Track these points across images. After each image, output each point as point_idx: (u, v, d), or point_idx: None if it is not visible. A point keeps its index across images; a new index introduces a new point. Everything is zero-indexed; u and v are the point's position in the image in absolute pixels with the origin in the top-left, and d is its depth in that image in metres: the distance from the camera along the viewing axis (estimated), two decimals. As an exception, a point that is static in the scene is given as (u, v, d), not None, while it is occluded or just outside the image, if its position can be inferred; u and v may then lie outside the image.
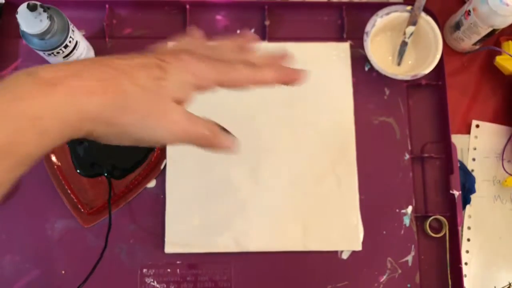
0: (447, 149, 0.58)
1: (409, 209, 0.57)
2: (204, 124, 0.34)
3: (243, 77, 0.35)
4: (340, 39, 0.61)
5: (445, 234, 0.56)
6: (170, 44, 0.38)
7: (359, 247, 0.55)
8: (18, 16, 0.46)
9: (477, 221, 0.59)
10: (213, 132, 0.35)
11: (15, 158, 0.27)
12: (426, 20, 0.58)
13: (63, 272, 0.54)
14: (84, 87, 0.28)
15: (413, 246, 0.56)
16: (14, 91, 0.27)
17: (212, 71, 0.33)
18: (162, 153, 0.57)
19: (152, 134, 0.32)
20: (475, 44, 0.59)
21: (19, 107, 0.26)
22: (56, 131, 0.28)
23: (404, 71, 0.59)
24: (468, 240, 0.58)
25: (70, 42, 0.50)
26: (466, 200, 0.58)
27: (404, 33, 0.59)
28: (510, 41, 0.60)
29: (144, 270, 0.54)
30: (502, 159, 0.59)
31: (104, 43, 0.59)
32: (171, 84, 0.31)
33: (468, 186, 0.58)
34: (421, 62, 0.59)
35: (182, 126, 0.32)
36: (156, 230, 0.55)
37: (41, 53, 0.51)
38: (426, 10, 0.58)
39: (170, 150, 0.56)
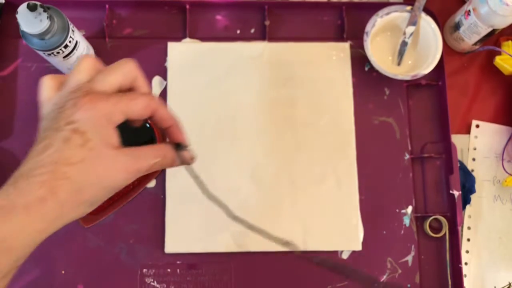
0: (447, 149, 0.58)
1: (409, 209, 0.57)
2: (150, 153, 0.35)
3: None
4: (340, 39, 0.61)
5: (445, 234, 0.56)
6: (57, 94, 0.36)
7: (359, 247, 0.55)
8: (18, 16, 0.46)
9: (477, 221, 0.59)
10: (163, 156, 0.36)
11: None
12: (426, 20, 0.58)
13: (63, 272, 0.54)
14: (34, 206, 0.30)
15: (413, 246, 0.56)
16: None
17: (119, 103, 0.33)
18: (162, 153, 0.56)
19: (112, 187, 0.34)
20: (475, 44, 0.59)
21: None
22: (20, 247, 0.31)
23: (404, 71, 0.59)
24: (468, 240, 0.58)
25: (70, 42, 0.50)
26: (466, 200, 0.58)
27: (404, 33, 0.59)
28: (510, 41, 0.60)
29: (144, 270, 0.54)
30: (502, 159, 0.59)
31: (104, 43, 0.59)
32: (97, 137, 0.32)
33: (468, 186, 0.58)
34: (421, 62, 0.59)
35: (130, 169, 0.34)
36: (156, 230, 0.55)
37: (41, 53, 0.51)
38: (426, 10, 0.58)
39: (170, 150, 0.56)
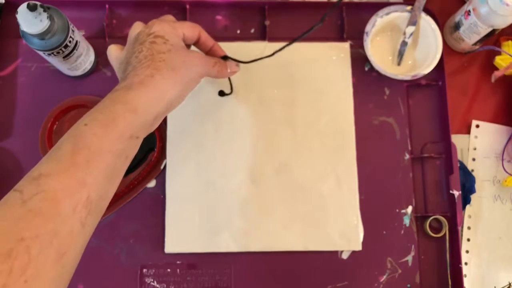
0: (447, 149, 0.58)
1: (409, 209, 0.57)
2: (210, 57, 0.49)
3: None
4: (340, 39, 0.61)
5: (445, 234, 0.56)
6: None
7: (359, 247, 0.55)
8: (18, 16, 0.46)
9: (477, 221, 0.59)
10: (218, 61, 0.49)
11: (118, 130, 0.38)
12: (426, 20, 0.58)
13: (63, 272, 0.54)
14: (147, 80, 0.41)
15: (413, 246, 0.56)
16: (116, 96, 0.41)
17: (176, 23, 0.47)
18: (162, 153, 0.57)
19: (195, 72, 0.45)
20: (475, 44, 0.59)
21: (119, 103, 0.40)
22: (142, 109, 0.40)
23: (404, 71, 0.59)
24: (468, 240, 0.58)
25: (70, 42, 0.50)
26: (466, 200, 0.58)
27: (404, 33, 0.59)
28: (510, 41, 0.60)
29: (144, 270, 0.54)
30: (502, 159, 0.59)
31: (104, 43, 0.59)
32: (173, 39, 0.45)
33: (468, 186, 0.58)
34: (421, 62, 0.59)
35: (203, 59, 0.46)
36: (156, 230, 0.55)
37: (41, 53, 0.51)
38: (426, 10, 0.58)
39: (170, 150, 0.56)
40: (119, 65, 0.46)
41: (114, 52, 0.47)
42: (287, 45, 0.51)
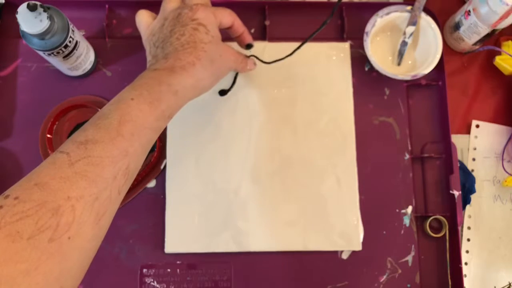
0: (447, 149, 0.58)
1: (409, 209, 0.57)
2: (239, 53, 0.52)
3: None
4: (340, 39, 0.61)
5: (445, 234, 0.56)
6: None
7: (359, 247, 0.55)
8: (18, 16, 0.46)
9: (477, 221, 0.59)
10: (245, 56, 0.53)
11: (160, 109, 0.41)
12: (426, 20, 0.58)
13: (63, 272, 0.54)
14: (188, 66, 0.44)
15: (413, 246, 0.56)
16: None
17: (217, 10, 0.48)
18: (162, 153, 0.57)
19: (228, 65, 0.49)
20: (475, 44, 0.59)
21: (164, 84, 0.42)
22: (181, 93, 0.43)
23: (404, 71, 0.59)
24: (468, 240, 0.58)
25: (70, 42, 0.50)
26: (466, 200, 0.58)
27: (404, 33, 0.59)
28: (510, 41, 0.60)
29: (144, 270, 0.54)
30: (502, 159, 0.59)
31: (104, 43, 0.59)
32: (213, 30, 0.46)
33: (468, 186, 0.58)
34: (421, 62, 0.59)
35: (236, 54, 0.50)
36: (156, 230, 0.55)
37: (41, 53, 0.51)
38: (426, 10, 0.58)
39: (170, 150, 0.56)
40: (150, 35, 0.47)
41: (145, 18, 0.48)
42: (303, 42, 0.55)
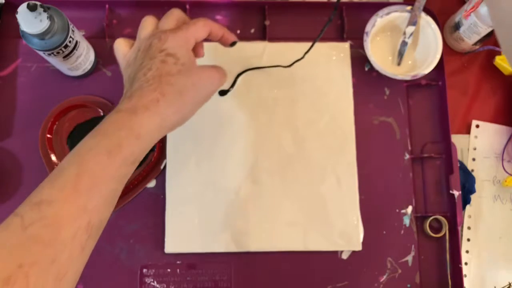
0: (447, 149, 0.58)
1: (409, 209, 0.57)
2: (219, 68, 0.46)
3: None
4: (340, 39, 0.61)
5: (445, 234, 0.56)
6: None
7: (359, 247, 0.55)
8: (18, 16, 0.46)
9: (477, 221, 0.59)
10: (224, 72, 0.47)
11: (121, 157, 0.38)
12: (426, 20, 0.58)
13: (63, 272, 0.54)
14: (151, 105, 0.40)
15: (413, 246, 0.56)
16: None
17: (189, 29, 0.44)
18: (162, 153, 0.57)
19: (204, 92, 0.44)
20: (475, 44, 0.59)
21: (125, 129, 0.39)
22: (145, 136, 0.40)
23: (404, 71, 0.59)
24: (468, 240, 0.58)
25: (70, 42, 0.50)
26: (466, 200, 0.58)
27: (404, 33, 0.59)
28: (510, 41, 0.60)
29: (144, 270, 0.54)
30: (502, 159, 0.59)
31: (104, 43, 0.59)
32: (184, 56, 0.43)
33: (468, 186, 0.58)
34: (421, 62, 0.59)
35: (215, 76, 0.45)
36: (156, 230, 0.55)
37: (41, 53, 0.51)
38: (426, 10, 0.58)
39: (170, 150, 0.56)
40: (126, 66, 0.45)
41: (122, 47, 0.46)
42: (315, 41, 0.54)
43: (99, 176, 0.36)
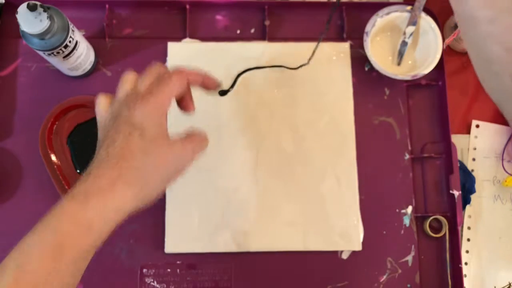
0: (447, 149, 0.58)
1: (409, 209, 0.57)
2: (196, 139, 0.42)
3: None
4: (340, 39, 0.61)
5: (445, 234, 0.56)
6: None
7: (359, 247, 0.55)
8: (18, 16, 0.46)
9: (477, 221, 0.59)
10: (200, 139, 0.42)
11: (69, 256, 0.34)
12: (426, 20, 0.58)
13: (63, 272, 0.54)
14: (107, 188, 0.36)
15: (413, 246, 0.56)
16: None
17: (162, 92, 0.39)
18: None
19: (170, 172, 0.40)
20: (475, 44, 0.59)
21: (72, 221, 0.35)
22: (98, 227, 0.36)
23: (404, 71, 0.59)
24: (468, 240, 0.58)
25: (70, 42, 0.50)
26: (466, 200, 0.58)
27: (404, 33, 0.59)
28: (510, 41, 0.60)
29: (144, 270, 0.54)
30: (502, 159, 0.59)
31: (104, 43, 0.59)
32: (153, 129, 0.38)
33: (468, 186, 0.58)
34: (421, 62, 0.59)
35: (189, 148, 0.40)
36: (156, 230, 0.55)
37: (41, 53, 0.51)
38: (426, 10, 0.58)
39: (170, 150, 0.56)
40: (100, 127, 0.40)
41: (101, 106, 0.41)
42: (319, 41, 0.54)
43: (42, 277, 0.33)
